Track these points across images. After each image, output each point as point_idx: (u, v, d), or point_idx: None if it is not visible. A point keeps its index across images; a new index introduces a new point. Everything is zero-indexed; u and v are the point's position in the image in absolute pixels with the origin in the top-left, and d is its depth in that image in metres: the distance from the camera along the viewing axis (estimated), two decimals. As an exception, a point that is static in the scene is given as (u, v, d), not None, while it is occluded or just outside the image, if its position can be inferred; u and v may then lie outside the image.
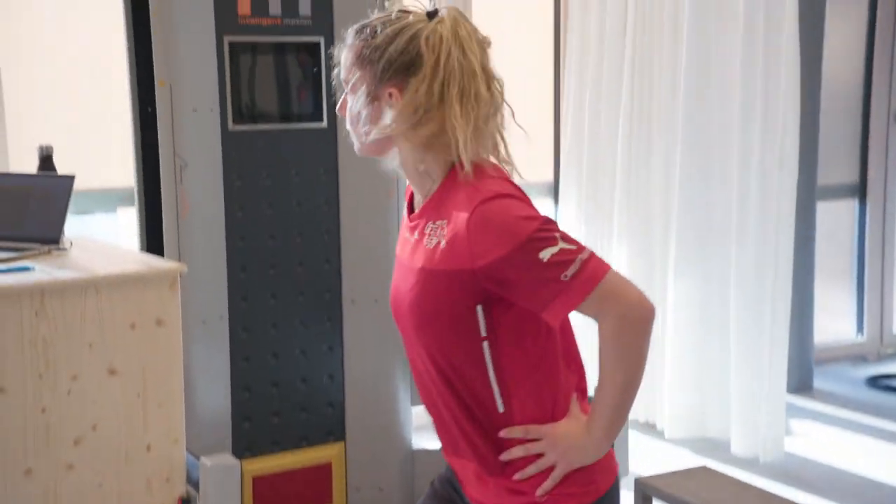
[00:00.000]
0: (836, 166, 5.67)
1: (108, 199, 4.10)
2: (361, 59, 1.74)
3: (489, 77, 1.72)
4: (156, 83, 3.26)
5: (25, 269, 2.60)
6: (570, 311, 1.65)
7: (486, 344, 1.69)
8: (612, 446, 1.77)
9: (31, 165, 3.17)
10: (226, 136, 3.36)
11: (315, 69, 3.49)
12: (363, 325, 3.56)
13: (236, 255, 3.40)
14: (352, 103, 1.80)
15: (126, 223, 3.95)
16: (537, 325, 1.70)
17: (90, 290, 2.57)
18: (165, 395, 2.69)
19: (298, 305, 3.50)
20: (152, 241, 3.46)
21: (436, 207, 1.73)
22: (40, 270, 2.61)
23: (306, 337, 3.51)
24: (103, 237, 3.53)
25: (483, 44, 1.73)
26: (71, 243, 2.93)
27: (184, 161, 3.31)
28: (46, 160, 3.06)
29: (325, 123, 3.50)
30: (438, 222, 1.70)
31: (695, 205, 4.47)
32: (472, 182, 1.68)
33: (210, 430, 3.34)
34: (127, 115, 3.48)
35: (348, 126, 1.84)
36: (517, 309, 1.67)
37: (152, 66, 3.27)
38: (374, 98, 1.74)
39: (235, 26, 3.31)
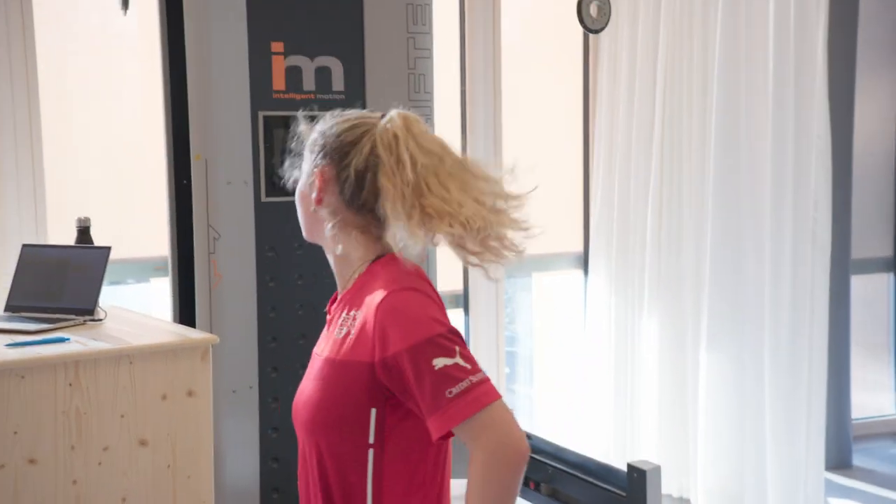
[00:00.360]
0: (870, 240, 5.63)
1: (141, 269, 4.14)
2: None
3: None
4: (191, 157, 3.32)
5: (61, 339, 2.63)
6: (445, 429, 1.53)
7: (371, 452, 1.63)
8: None
9: (69, 237, 3.23)
10: (258, 207, 3.41)
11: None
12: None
13: (267, 326, 3.41)
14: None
15: (159, 292, 3.99)
16: (428, 448, 1.64)
17: (123, 361, 2.59)
18: (194, 466, 2.68)
19: (328, 376, 3.49)
20: (185, 310, 3.49)
21: (352, 297, 1.70)
22: (75, 341, 2.63)
23: (336, 408, 3.50)
24: (136, 306, 3.57)
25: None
26: (105, 314, 2.97)
27: (217, 232, 3.35)
28: (84, 232, 3.11)
29: (356, 195, 3.54)
30: (352, 312, 1.67)
31: (727, 277, 4.45)
32: (393, 272, 1.65)
33: (238, 501, 3.32)
34: (162, 188, 3.54)
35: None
36: (411, 424, 1.61)
37: (188, 140, 3.34)
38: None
39: (270, 101, 3.38)
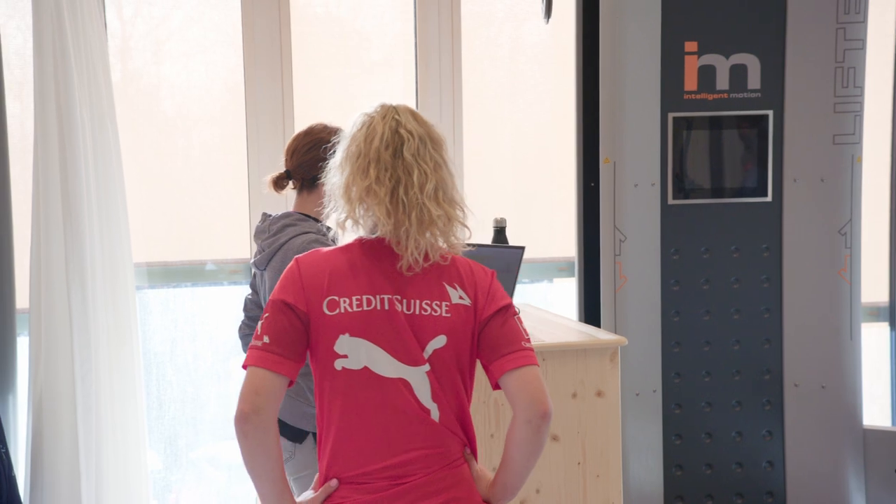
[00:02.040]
0: None
1: (545, 270, 4.28)
2: None
3: None
4: (600, 160, 3.36)
5: (481, 333, 2.77)
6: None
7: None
8: None
9: (481, 236, 3.42)
10: (665, 210, 3.37)
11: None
12: (807, 411, 3.34)
13: (671, 330, 3.37)
14: None
15: (560, 293, 4.09)
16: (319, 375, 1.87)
17: (538, 358, 2.68)
18: (604, 466, 2.70)
19: (734, 385, 3.36)
20: (589, 311, 3.55)
21: None
22: (494, 336, 2.77)
23: (743, 419, 3.36)
24: (540, 305, 3.68)
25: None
26: (519, 311, 3.09)
27: (623, 235, 3.37)
28: (500, 231, 3.26)
29: (769, 198, 3.37)
30: None
31: None
32: None
33: (640, 506, 3.32)
34: (570, 191, 3.62)
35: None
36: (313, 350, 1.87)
37: (597, 144, 3.38)
38: None
39: (680, 102, 3.33)
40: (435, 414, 1.84)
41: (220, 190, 3.75)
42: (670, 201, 3.37)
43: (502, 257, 3.13)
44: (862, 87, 3.34)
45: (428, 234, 1.82)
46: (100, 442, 3.22)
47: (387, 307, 1.81)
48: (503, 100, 3.96)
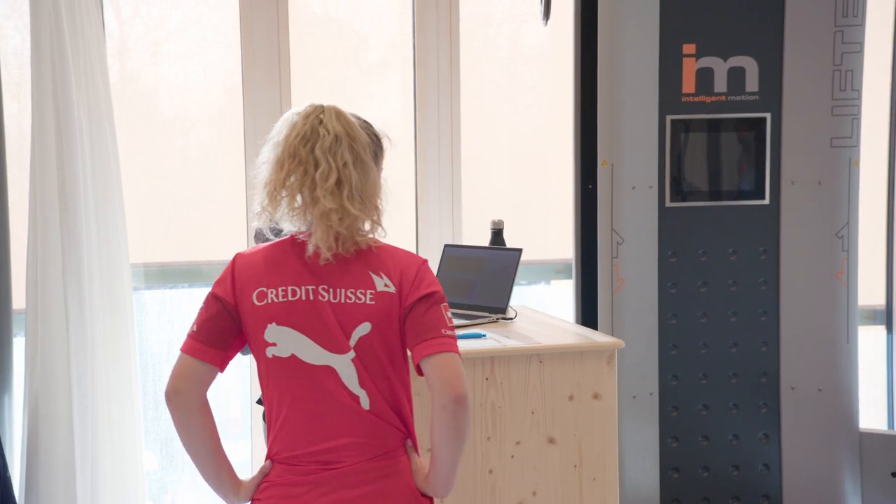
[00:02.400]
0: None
1: (542, 271, 4.28)
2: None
3: None
4: (598, 162, 3.36)
5: (478, 335, 2.78)
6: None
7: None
8: None
9: (478, 237, 3.42)
10: (662, 213, 3.37)
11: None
12: (804, 414, 3.34)
13: (668, 332, 3.37)
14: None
15: (557, 295, 4.09)
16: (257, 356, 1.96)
17: (534, 360, 2.68)
18: (600, 469, 2.70)
19: (731, 388, 3.37)
20: (586, 313, 3.55)
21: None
22: (490, 338, 2.77)
23: (739, 422, 3.36)
24: (537, 307, 3.68)
25: None
26: (515, 313, 3.09)
27: (620, 237, 3.37)
28: (497, 234, 3.27)
29: (766, 200, 3.37)
30: None
31: None
32: None
33: (636, 509, 3.31)
34: (568, 193, 3.62)
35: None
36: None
37: (595, 146, 3.38)
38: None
39: (678, 105, 3.33)
40: (364, 402, 1.89)
41: (218, 191, 3.75)
42: (668, 204, 3.37)
43: (499, 259, 3.14)
44: (860, 91, 3.34)
45: (328, 227, 1.88)
46: (96, 443, 3.21)
47: (311, 297, 1.89)
48: (501, 101, 3.96)
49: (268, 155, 1.94)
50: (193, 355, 1.91)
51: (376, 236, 1.95)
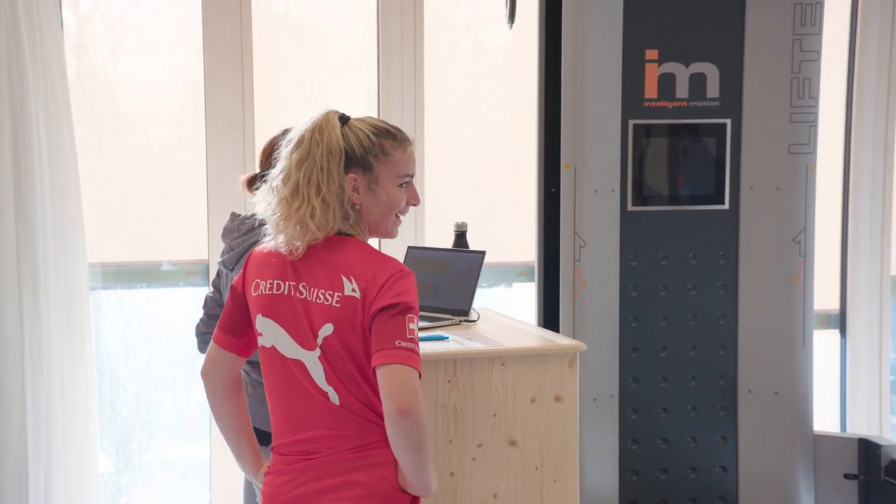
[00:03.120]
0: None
1: (504, 274, 4.29)
2: None
3: None
4: (561, 165, 3.38)
5: (441, 338, 2.77)
6: None
7: None
8: None
9: (440, 240, 3.41)
10: (624, 216, 3.39)
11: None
12: (761, 417, 3.38)
13: (629, 335, 3.39)
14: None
15: (520, 297, 4.11)
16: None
17: (496, 363, 2.68)
18: (561, 471, 2.71)
19: (690, 391, 3.40)
20: (548, 316, 3.56)
21: None
22: (453, 340, 2.77)
23: (698, 424, 3.39)
24: (498, 310, 3.69)
25: None
26: (478, 315, 3.09)
27: (583, 240, 3.39)
28: (461, 236, 3.26)
29: (726, 205, 3.41)
30: None
31: None
32: None
33: (596, 511, 3.33)
34: (531, 196, 3.63)
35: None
36: None
37: (558, 150, 3.40)
38: None
39: (641, 109, 3.35)
40: (334, 397, 1.97)
41: (179, 190, 3.71)
42: (630, 208, 3.39)
43: (463, 261, 3.14)
44: (817, 98, 3.40)
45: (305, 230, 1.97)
46: (50, 445, 3.16)
47: (291, 293, 2.00)
48: (465, 103, 3.97)
49: (283, 157, 2.02)
50: (216, 342, 2.10)
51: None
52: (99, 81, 3.63)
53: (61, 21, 3.30)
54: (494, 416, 2.66)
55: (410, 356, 1.93)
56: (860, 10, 4.05)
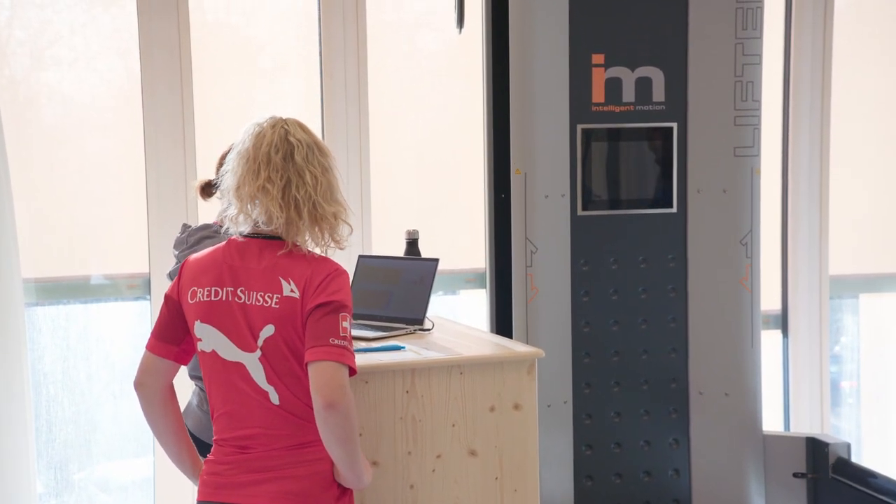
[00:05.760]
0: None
1: (452, 281, 4.25)
2: None
3: None
4: (511, 171, 3.36)
5: (398, 347, 2.72)
6: None
7: None
8: None
9: (390, 248, 3.36)
10: (575, 221, 3.39)
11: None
12: (712, 418, 3.40)
13: (581, 340, 3.38)
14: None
15: (468, 304, 4.07)
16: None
17: (454, 371, 2.63)
18: (521, 480, 2.68)
19: (642, 395, 3.41)
20: (500, 322, 3.54)
21: None
22: (410, 350, 2.72)
23: (650, 428, 3.40)
24: (449, 318, 3.65)
25: None
26: (433, 324, 3.05)
27: (534, 246, 3.37)
28: (412, 244, 3.22)
29: (674, 209, 3.43)
30: None
31: None
32: None
33: (551, 517, 3.31)
34: (480, 202, 3.60)
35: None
36: None
37: (507, 155, 3.38)
38: None
39: (589, 114, 3.35)
40: (273, 397, 2.05)
41: (116, 202, 3.59)
42: (580, 212, 3.39)
43: (416, 269, 3.10)
44: (759, 101, 3.44)
45: (317, 229, 2.08)
46: (-14, 469, 3.02)
47: (229, 298, 2.06)
48: (410, 109, 3.92)
49: (236, 163, 2.07)
50: (150, 350, 2.13)
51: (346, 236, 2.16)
52: (20, 91, 3.49)
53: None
54: (453, 426, 2.62)
55: (342, 353, 2.01)
56: (794, 14, 4.12)
